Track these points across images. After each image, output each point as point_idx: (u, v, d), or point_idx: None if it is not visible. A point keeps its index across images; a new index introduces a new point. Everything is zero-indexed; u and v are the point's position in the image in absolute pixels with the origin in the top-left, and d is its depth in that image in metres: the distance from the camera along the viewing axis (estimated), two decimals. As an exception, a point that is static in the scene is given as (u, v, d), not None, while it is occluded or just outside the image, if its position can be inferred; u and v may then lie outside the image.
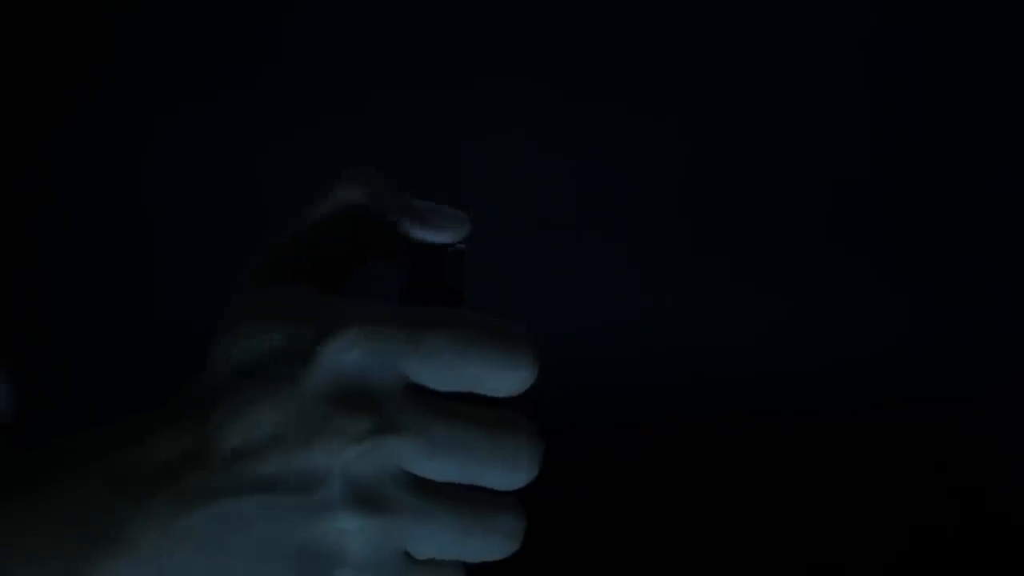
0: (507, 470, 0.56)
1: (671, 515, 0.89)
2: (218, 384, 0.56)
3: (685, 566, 0.89)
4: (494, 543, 0.56)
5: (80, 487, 0.56)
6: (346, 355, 0.55)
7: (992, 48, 0.87)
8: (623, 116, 0.89)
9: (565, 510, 0.86)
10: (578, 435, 0.88)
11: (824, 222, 0.88)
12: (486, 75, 0.89)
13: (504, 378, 0.56)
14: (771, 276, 0.88)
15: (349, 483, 0.54)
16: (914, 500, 0.88)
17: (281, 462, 0.54)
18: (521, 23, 0.88)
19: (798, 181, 0.88)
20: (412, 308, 0.56)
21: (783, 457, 0.88)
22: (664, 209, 0.88)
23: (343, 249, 0.60)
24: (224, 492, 0.55)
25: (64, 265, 0.94)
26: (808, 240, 0.88)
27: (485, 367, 0.55)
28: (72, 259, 0.94)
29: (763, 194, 0.88)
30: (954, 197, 0.87)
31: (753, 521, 0.89)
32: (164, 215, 0.92)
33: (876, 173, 0.87)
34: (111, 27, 0.92)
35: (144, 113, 0.92)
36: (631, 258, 0.89)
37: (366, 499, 0.55)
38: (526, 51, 0.89)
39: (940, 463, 0.88)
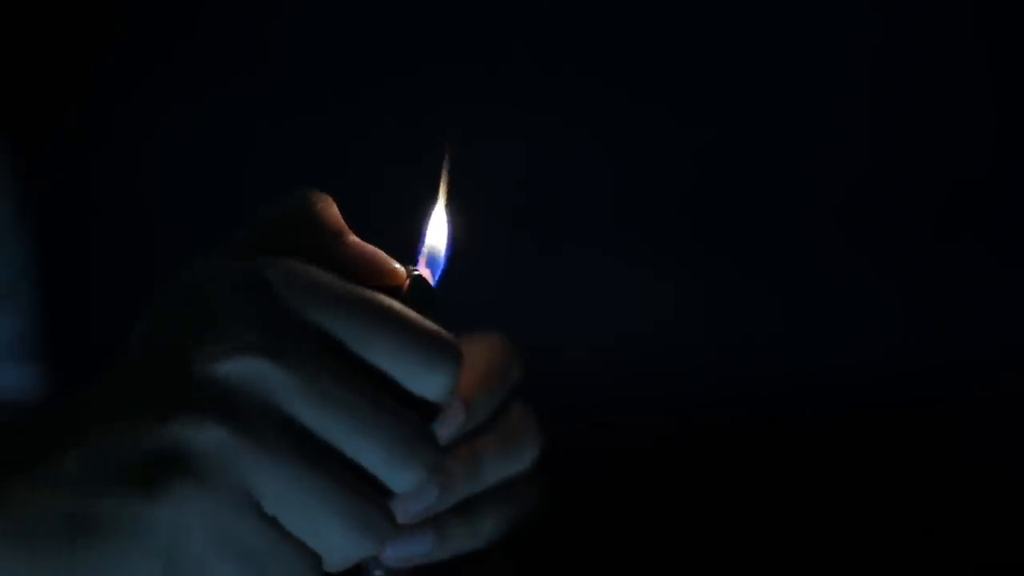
0: (390, 457, 0.53)
1: (671, 515, 0.89)
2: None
3: (686, 566, 0.89)
4: (351, 535, 0.53)
5: None
6: (274, 276, 0.53)
7: (993, 48, 0.87)
8: (624, 116, 0.89)
9: (564, 510, 0.86)
10: (579, 435, 0.88)
11: (824, 222, 0.88)
12: (486, 74, 0.89)
13: (419, 373, 0.54)
14: (771, 276, 0.88)
15: (217, 390, 0.52)
16: (914, 500, 0.88)
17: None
18: (522, 22, 0.88)
19: (798, 181, 0.88)
20: (356, 285, 0.55)
21: (783, 457, 0.88)
22: (663, 210, 0.89)
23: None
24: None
25: (63, 264, 0.94)
26: (808, 240, 0.88)
27: (396, 349, 0.54)
28: (72, 258, 0.94)
29: (763, 194, 0.88)
30: (954, 197, 0.87)
31: (752, 521, 0.89)
32: (164, 214, 0.93)
33: (876, 173, 0.88)
34: (111, 25, 0.92)
35: (144, 111, 0.92)
36: (630, 258, 0.89)
37: (228, 410, 0.52)
38: (526, 50, 0.89)
39: (940, 463, 0.88)
